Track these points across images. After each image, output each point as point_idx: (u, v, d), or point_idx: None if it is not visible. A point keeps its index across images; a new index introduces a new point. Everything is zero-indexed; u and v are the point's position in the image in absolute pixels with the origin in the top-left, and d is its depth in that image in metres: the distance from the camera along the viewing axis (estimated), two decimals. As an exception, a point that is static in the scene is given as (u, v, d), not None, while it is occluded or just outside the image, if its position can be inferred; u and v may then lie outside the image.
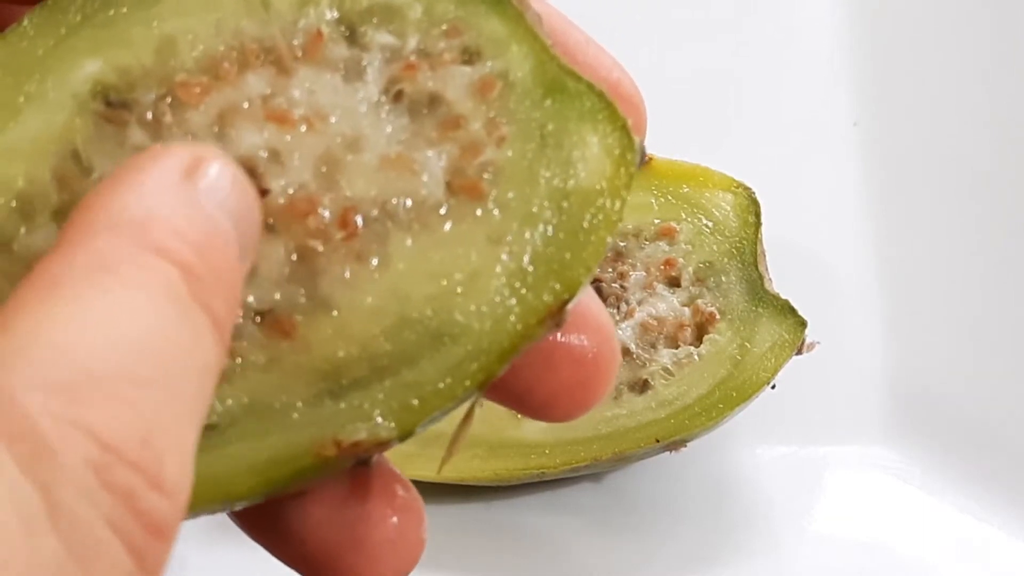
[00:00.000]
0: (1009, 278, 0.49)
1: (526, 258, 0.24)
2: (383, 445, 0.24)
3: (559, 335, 0.25)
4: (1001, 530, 0.44)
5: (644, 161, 0.25)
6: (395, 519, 0.26)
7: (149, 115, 0.24)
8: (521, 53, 0.25)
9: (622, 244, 0.44)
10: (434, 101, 0.25)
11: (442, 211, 0.24)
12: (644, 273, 0.44)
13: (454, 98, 0.25)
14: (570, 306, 0.24)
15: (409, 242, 0.24)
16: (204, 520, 0.27)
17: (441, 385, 0.24)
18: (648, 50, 0.54)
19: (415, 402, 0.24)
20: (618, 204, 0.24)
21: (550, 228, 0.24)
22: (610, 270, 0.44)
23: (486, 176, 0.24)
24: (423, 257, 0.24)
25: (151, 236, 0.19)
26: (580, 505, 0.45)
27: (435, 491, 0.44)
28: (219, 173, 0.21)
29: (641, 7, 0.55)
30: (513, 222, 0.24)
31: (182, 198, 0.20)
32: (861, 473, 0.46)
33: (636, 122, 0.27)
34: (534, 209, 0.24)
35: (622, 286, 0.44)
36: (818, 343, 0.43)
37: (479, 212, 0.24)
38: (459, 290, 0.24)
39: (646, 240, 0.44)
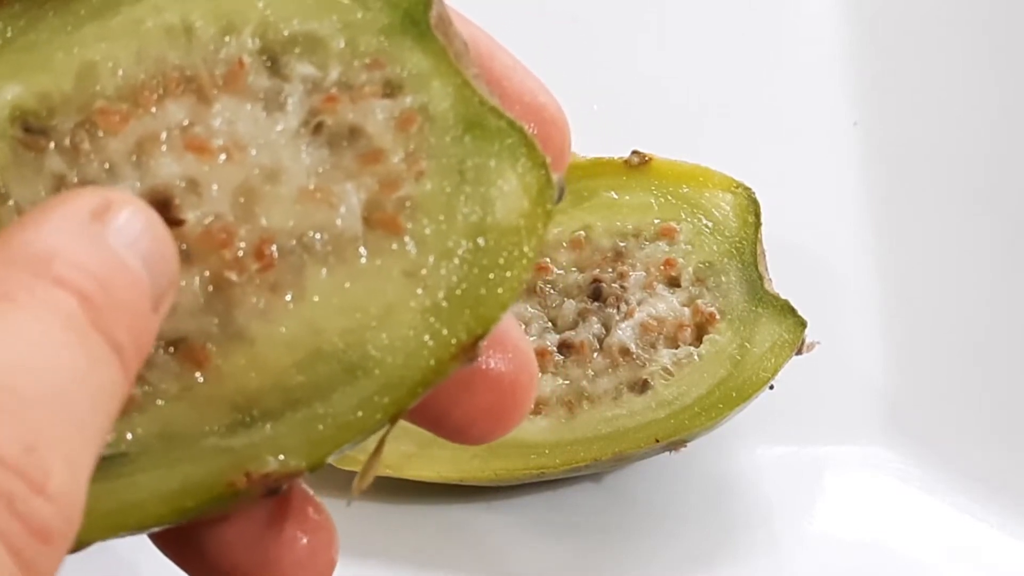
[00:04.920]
0: (1009, 278, 0.49)
1: (441, 294, 0.24)
2: (293, 476, 0.24)
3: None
4: (1000, 530, 0.44)
5: (561, 197, 0.25)
6: (306, 540, 0.26)
7: (67, 142, 0.24)
8: (443, 88, 0.25)
9: (622, 244, 0.44)
10: (354, 134, 0.25)
11: (358, 245, 0.24)
12: (644, 273, 0.44)
13: (374, 131, 0.25)
14: (483, 342, 0.24)
15: (325, 275, 0.24)
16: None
17: (352, 418, 0.24)
18: (648, 50, 0.54)
19: (326, 434, 0.24)
20: (534, 242, 0.24)
21: (466, 264, 0.24)
22: (610, 270, 0.44)
23: (404, 211, 0.24)
24: (338, 290, 0.24)
25: (50, 268, 0.20)
26: (580, 505, 0.45)
27: (435, 491, 0.44)
28: (130, 216, 0.21)
29: (640, 7, 0.55)
30: (429, 257, 0.24)
31: (87, 236, 0.21)
32: (861, 473, 0.46)
33: (559, 145, 0.27)
34: (450, 245, 0.24)
35: (622, 286, 0.44)
36: (818, 343, 0.43)
37: (395, 246, 0.24)
38: (373, 324, 0.24)
39: (646, 240, 0.44)
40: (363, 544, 0.43)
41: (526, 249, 0.24)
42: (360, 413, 0.24)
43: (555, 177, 0.25)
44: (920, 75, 0.53)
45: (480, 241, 0.24)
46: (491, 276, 0.24)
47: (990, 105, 0.52)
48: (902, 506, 0.45)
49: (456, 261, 0.24)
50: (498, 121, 0.25)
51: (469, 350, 0.24)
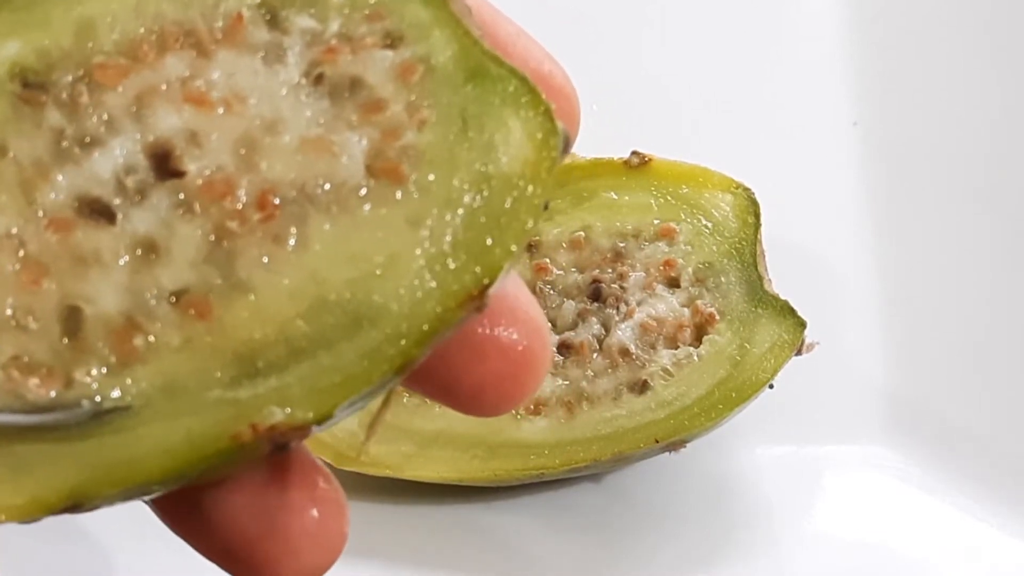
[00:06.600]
0: (1008, 278, 0.49)
1: (446, 241, 0.24)
2: (300, 430, 0.23)
3: (488, 328, 0.25)
4: (1001, 530, 0.44)
5: (568, 149, 0.25)
6: (315, 511, 0.26)
7: (66, 96, 0.24)
8: (443, 38, 0.25)
9: (622, 245, 0.44)
10: (355, 85, 0.25)
11: (362, 194, 0.24)
12: (644, 273, 0.44)
13: (375, 82, 0.25)
14: (491, 291, 0.24)
15: (328, 225, 0.24)
16: (137, 516, 0.27)
17: (359, 369, 0.24)
18: (648, 50, 0.54)
19: (333, 385, 0.23)
20: (540, 188, 0.24)
21: (471, 212, 0.24)
22: (610, 270, 0.44)
23: (407, 159, 0.24)
24: (342, 240, 0.24)
25: None
26: (580, 505, 0.45)
27: (435, 491, 0.44)
28: None
29: (641, 7, 0.55)
30: (433, 205, 0.24)
31: None
32: (861, 473, 0.46)
33: (568, 113, 0.26)
34: (455, 193, 0.24)
35: (622, 286, 0.44)
36: (817, 343, 0.43)
37: (399, 195, 0.24)
38: (378, 273, 0.24)
39: (646, 241, 0.44)
40: (363, 544, 0.43)
41: (531, 196, 0.24)
42: (367, 364, 0.24)
43: (560, 126, 0.24)
44: (920, 75, 0.53)
45: (484, 188, 0.24)
46: (496, 223, 0.24)
47: (990, 105, 0.52)
48: (902, 506, 0.45)
49: (461, 209, 0.24)
50: (499, 69, 0.25)
51: (477, 298, 0.24)
